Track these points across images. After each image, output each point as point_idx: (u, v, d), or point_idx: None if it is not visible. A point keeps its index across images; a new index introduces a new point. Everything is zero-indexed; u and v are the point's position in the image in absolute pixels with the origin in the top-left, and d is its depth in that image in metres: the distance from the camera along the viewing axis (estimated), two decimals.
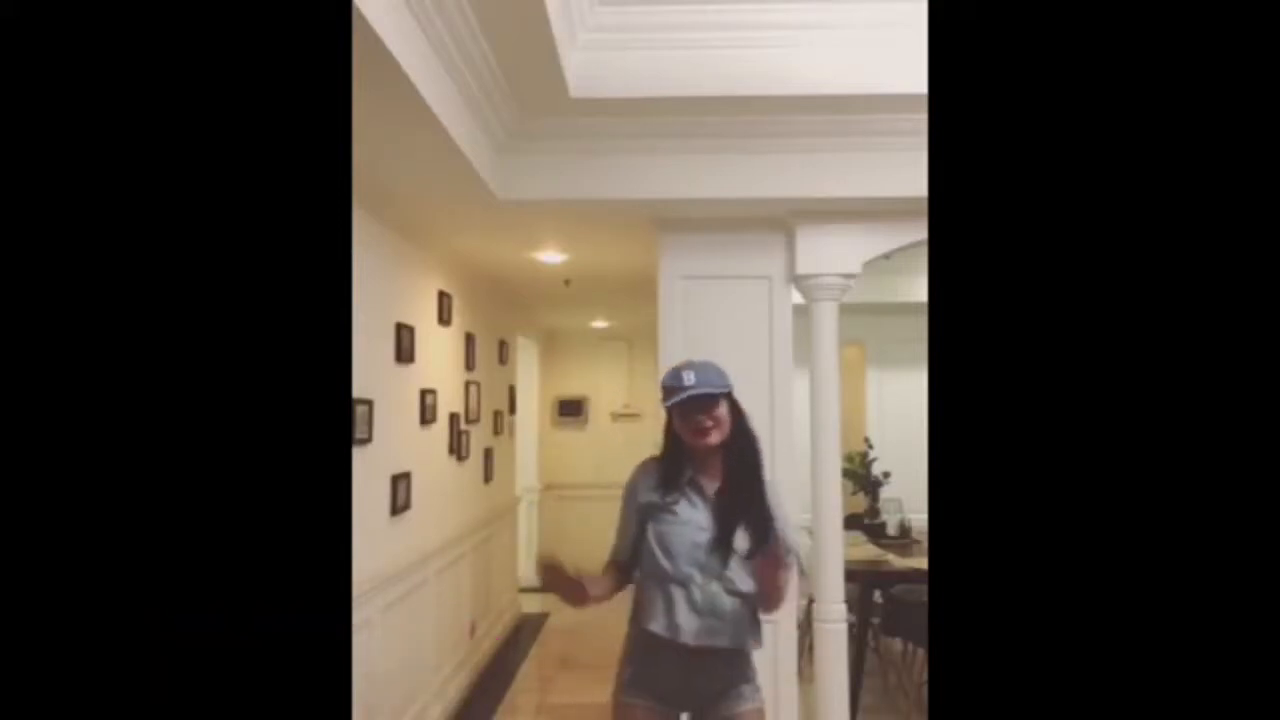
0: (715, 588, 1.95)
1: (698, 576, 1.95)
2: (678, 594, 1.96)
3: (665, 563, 1.97)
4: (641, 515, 2.04)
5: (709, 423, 1.97)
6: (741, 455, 2.03)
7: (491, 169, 2.92)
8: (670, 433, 2.06)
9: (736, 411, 2.04)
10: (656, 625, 1.97)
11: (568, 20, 2.54)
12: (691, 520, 1.99)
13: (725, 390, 2.00)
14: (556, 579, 1.96)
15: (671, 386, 1.98)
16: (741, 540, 1.95)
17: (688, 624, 1.94)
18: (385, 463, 3.21)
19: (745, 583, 1.96)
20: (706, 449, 2.00)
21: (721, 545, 1.95)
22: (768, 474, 2.07)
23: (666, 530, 1.99)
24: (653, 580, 2.00)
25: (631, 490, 2.10)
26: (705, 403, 1.97)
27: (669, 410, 2.01)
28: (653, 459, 2.13)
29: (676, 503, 2.00)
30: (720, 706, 1.99)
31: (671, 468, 2.05)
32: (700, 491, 2.02)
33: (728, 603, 1.95)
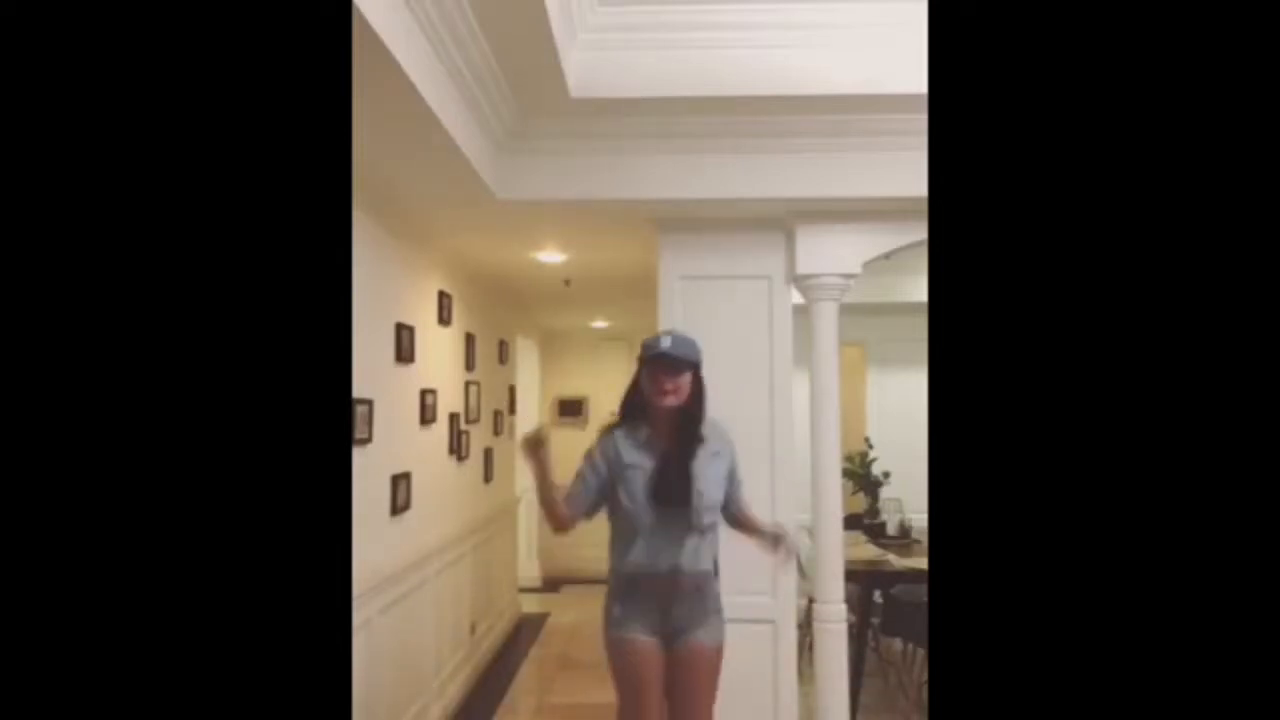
0: (672, 529, 2.22)
1: (654, 518, 2.22)
2: (641, 535, 2.23)
3: (632, 507, 2.24)
4: (616, 471, 2.28)
5: (670, 385, 2.21)
6: (692, 425, 2.28)
7: (491, 169, 2.92)
8: (635, 386, 2.31)
9: (699, 387, 2.28)
10: (635, 557, 2.24)
11: (568, 20, 2.54)
12: (647, 472, 2.25)
13: (693, 362, 2.24)
14: (537, 452, 2.23)
15: (649, 345, 2.25)
16: (677, 496, 2.22)
17: (651, 557, 2.22)
18: (385, 463, 3.20)
19: (697, 519, 2.23)
20: (664, 410, 2.24)
21: (662, 497, 2.22)
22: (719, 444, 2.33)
23: (632, 479, 2.25)
24: (626, 523, 2.26)
25: (611, 448, 2.30)
26: (672, 365, 2.21)
27: (640, 364, 2.27)
28: (616, 425, 2.36)
29: (637, 457, 2.27)
30: (688, 633, 2.25)
31: (635, 422, 2.31)
32: (655, 449, 2.28)
33: (680, 539, 2.23)
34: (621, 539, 2.30)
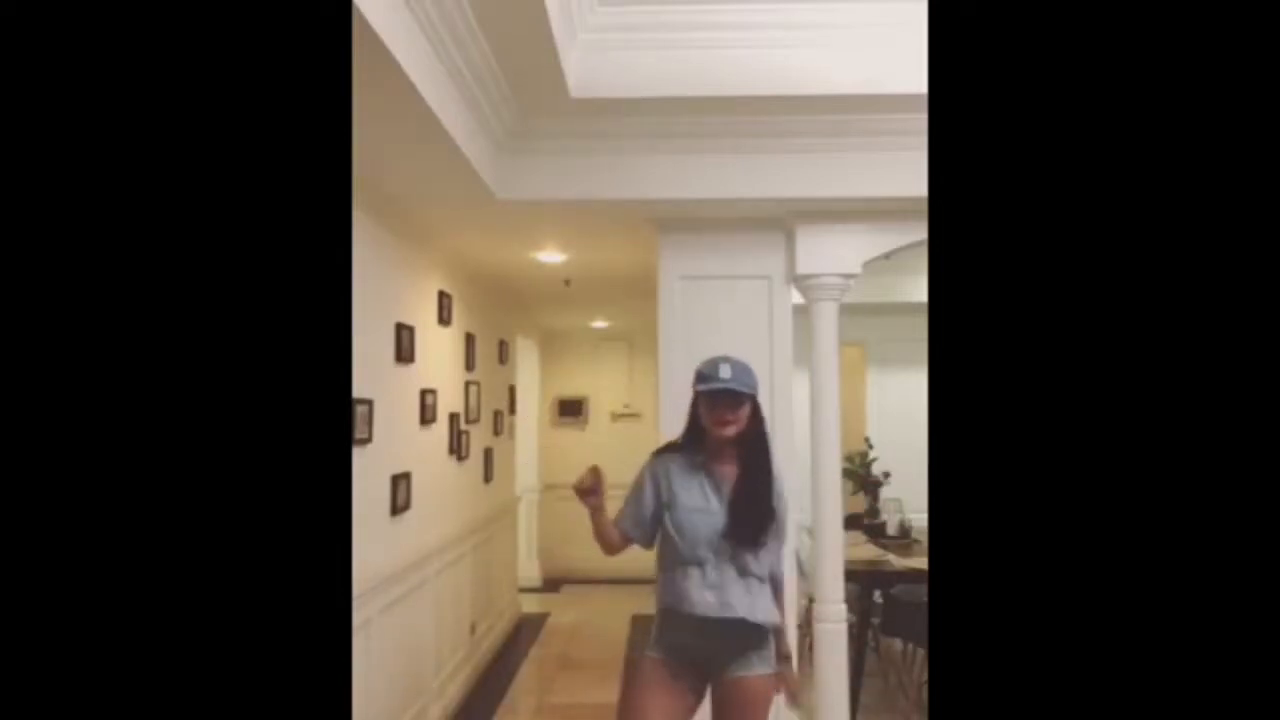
0: (728, 568, 2.14)
1: (713, 559, 2.13)
2: (694, 573, 2.14)
3: (685, 548, 2.15)
4: (662, 503, 2.21)
5: (730, 417, 2.15)
6: (756, 455, 2.20)
7: (491, 169, 2.92)
8: (694, 417, 2.24)
9: (757, 414, 2.22)
10: (681, 604, 2.15)
11: (568, 20, 2.54)
12: (706, 508, 2.16)
13: (753, 393, 2.17)
14: (592, 496, 2.17)
15: (707, 375, 2.17)
16: (755, 531, 2.15)
17: (700, 597, 2.12)
18: (385, 463, 3.20)
19: (757, 566, 2.15)
20: (723, 440, 2.18)
21: (735, 536, 2.13)
22: (778, 474, 2.24)
23: (685, 519, 2.16)
24: (674, 562, 2.18)
25: (662, 476, 2.24)
26: (733, 399, 2.15)
27: (697, 395, 2.21)
28: (674, 446, 2.29)
29: (693, 492, 2.19)
30: (731, 669, 2.17)
31: (691, 451, 2.24)
32: (713, 479, 2.19)
33: (740, 585, 2.13)
34: (667, 570, 2.21)
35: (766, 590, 2.19)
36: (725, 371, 2.14)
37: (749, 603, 2.14)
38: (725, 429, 2.16)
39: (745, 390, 2.15)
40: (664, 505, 2.21)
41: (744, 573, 2.14)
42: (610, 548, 2.29)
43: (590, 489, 2.17)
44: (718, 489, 2.18)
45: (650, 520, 2.24)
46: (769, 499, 2.18)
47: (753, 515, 2.15)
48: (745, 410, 2.17)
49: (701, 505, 2.17)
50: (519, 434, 6.43)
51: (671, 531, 2.18)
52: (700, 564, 2.14)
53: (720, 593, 2.12)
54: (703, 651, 2.18)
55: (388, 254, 3.26)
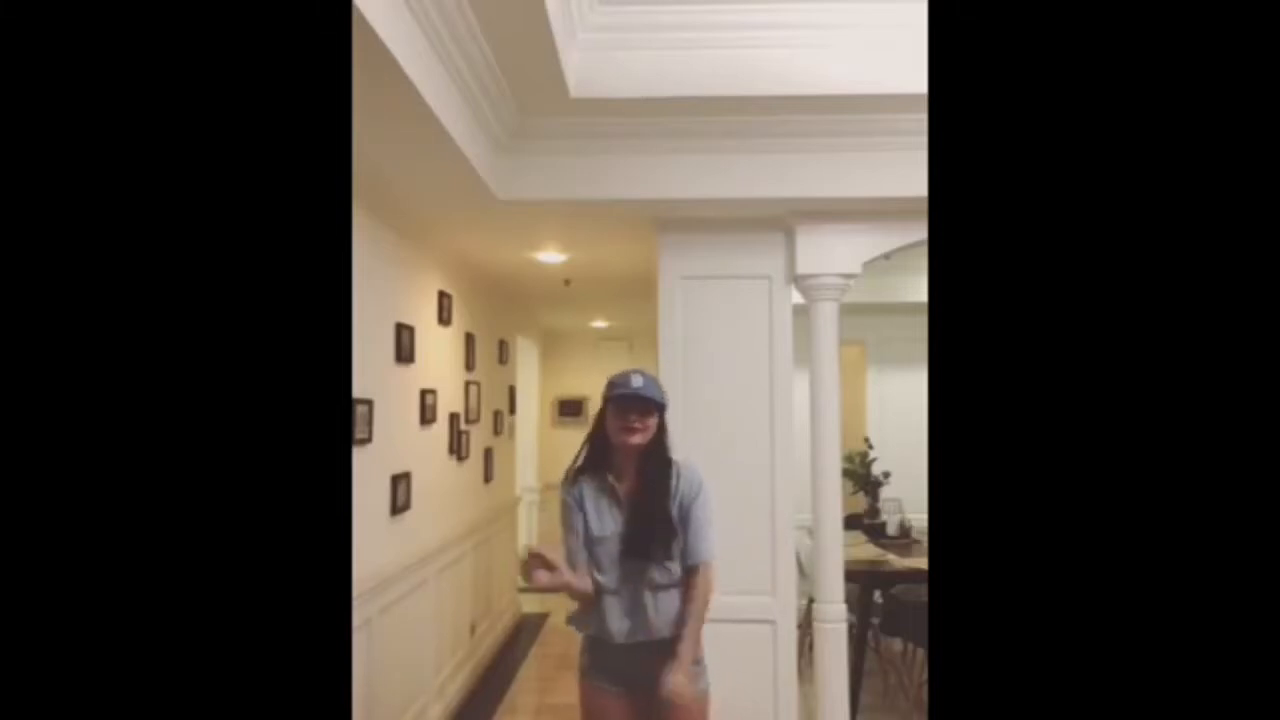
0: (640, 589, 2.14)
1: (626, 586, 2.14)
2: (609, 601, 2.15)
3: (600, 578, 2.15)
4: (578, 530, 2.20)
5: (638, 424, 2.14)
6: (655, 468, 2.19)
7: (491, 169, 2.92)
8: (600, 424, 2.23)
9: (663, 429, 2.22)
10: (594, 630, 2.18)
11: (568, 20, 2.54)
12: (615, 534, 2.16)
13: (661, 404, 2.19)
14: (541, 568, 2.04)
15: (618, 383, 2.17)
16: (656, 547, 2.13)
17: (619, 627, 2.14)
18: (385, 463, 3.21)
19: (665, 576, 2.14)
20: (627, 447, 2.16)
21: (634, 550, 2.13)
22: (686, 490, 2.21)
23: (599, 548, 2.16)
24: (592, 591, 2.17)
25: (584, 500, 2.20)
26: (641, 405, 2.15)
27: (606, 402, 2.19)
28: (580, 469, 2.26)
29: (604, 519, 2.17)
30: (661, 685, 2.11)
31: (596, 470, 2.22)
32: (617, 500, 2.18)
33: (652, 602, 2.14)
34: (584, 608, 2.20)
35: (674, 594, 2.15)
36: (637, 380, 2.15)
37: (666, 617, 2.14)
38: (632, 436, 2.13)
39: (655, 399, 2.15)
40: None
41: (655, 588, 2.13)
42: (590, 594, 2.17)
43: (544, 570, 2.03)
44: (621, 509, 2.16)
45: (590, 545, 2.18)
46: (665, 513, 2.14)
47: (651, 528, 2.13)
48: (653, 420, 2.17)
49: (613, 531, 2.16)
50: (519, 434, 6.43)
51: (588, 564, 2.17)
52: (615, 591, 2.14)
53: (637, 617, 2.13)
54: (632, 674, 2.17)
55: (388, 254, 3.26)
